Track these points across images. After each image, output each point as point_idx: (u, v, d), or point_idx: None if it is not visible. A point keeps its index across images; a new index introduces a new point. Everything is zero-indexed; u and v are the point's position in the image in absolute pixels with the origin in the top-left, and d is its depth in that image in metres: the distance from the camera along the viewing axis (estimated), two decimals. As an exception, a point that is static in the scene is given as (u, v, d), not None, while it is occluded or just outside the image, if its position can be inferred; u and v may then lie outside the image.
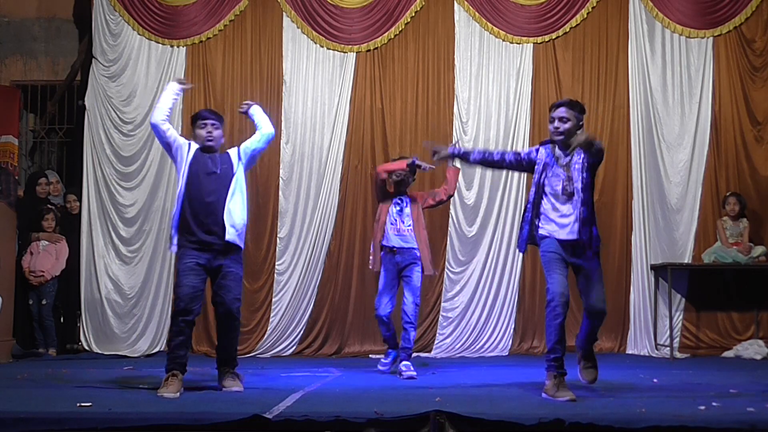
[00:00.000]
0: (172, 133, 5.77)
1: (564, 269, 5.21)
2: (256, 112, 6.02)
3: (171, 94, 5.85)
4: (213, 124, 5.74)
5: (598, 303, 5.28)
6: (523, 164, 5.47)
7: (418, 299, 6.69)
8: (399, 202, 6.79)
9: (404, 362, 6.55)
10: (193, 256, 5.51)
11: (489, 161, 5.55)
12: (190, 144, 5.73)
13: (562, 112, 5.30)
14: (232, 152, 5.82)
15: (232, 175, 5.67)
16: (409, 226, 6.71)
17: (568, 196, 5.23)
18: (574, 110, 5.32)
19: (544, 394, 5.08)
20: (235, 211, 5.59)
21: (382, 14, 8.72)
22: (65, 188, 9.16)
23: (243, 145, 5.88)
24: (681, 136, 8.59)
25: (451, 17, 8.73)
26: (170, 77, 8.72)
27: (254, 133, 5.97)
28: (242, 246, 5.69)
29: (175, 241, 5.59)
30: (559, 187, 5.25)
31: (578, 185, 5.22)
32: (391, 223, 6.72)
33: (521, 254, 8.48)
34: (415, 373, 6.43)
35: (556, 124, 5.30)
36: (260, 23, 8.84)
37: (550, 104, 5.58)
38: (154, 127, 5.80)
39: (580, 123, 5.33)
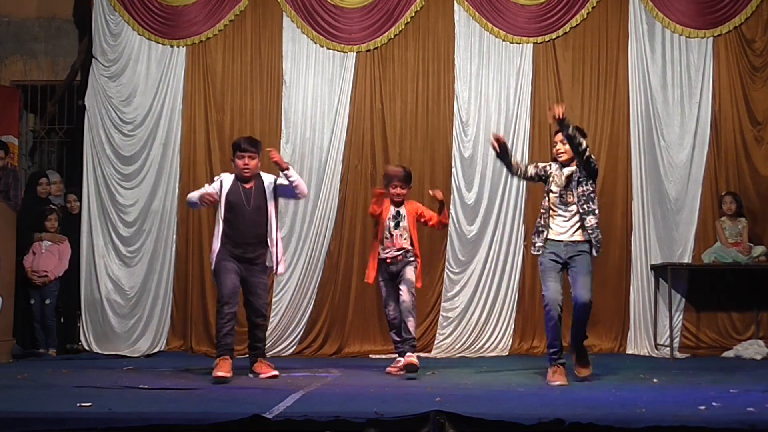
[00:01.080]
0: (212, 189, 6.42)
1: (557, 276, 6.05)
2: (292, 175, 6.40)
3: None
4: (250, 156, 6.37)
5: (581, 291, 5.95)
6: (540, 176, 6.23)
7: (412, 288, 6.73)
8: (396, 215, 6.83)
9: (408, 354, 6.57)
10: (231, 260, 6.27)
11: (514, 165, 6.32)
12: (221, 180, 6.45)
13: (562, 135, 6.04)
14: (267, 182, 6.46)
15: (266, 205, 6.40)
16: (406, 239, 6.78)
17: (566, 204, 6.05)
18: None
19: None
20: (272, 240, 6.39)
21: (382, 14, 8.72)
22: (65, 188, 9.15)
23: (279, 184, 6.47)
24: (681, 136, 8.58)
25: (451, 17, 8.73)
26: (170, 77, 8.74)
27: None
28: (282, 270, 6.66)
29: (214, 257, 6.33)
30: (556, 197, 6.10)
31: (574, 197, 6.02)
32: (386, 238, 6.78)
33: (521, 254, 8.53)
34: (417, 362, 6.52)
35: (558, 146, 6.13)
36: (260, 23, 8.84)
37: (551, 123, 6.49)
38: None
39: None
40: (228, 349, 6.17)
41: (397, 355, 6.91)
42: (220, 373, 5.95)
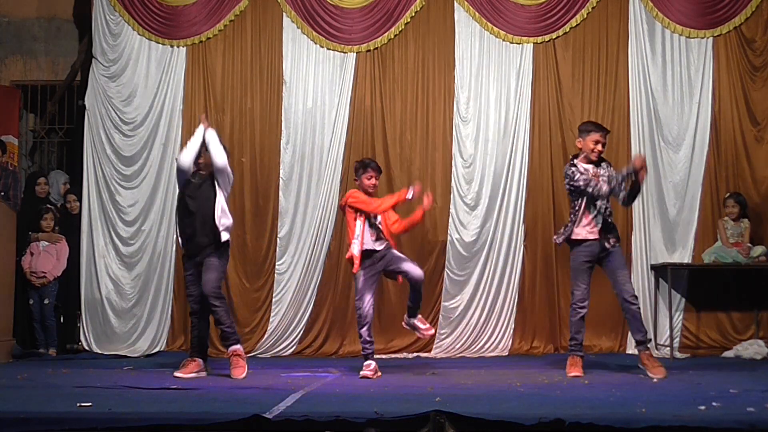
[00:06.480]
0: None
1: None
2: (209, 138, 6.63)
3: (199, 137, 6.58)
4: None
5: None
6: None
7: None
8: None
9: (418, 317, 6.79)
10: (188, 262, 6.56)
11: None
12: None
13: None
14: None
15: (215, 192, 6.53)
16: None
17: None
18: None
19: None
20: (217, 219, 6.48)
21: (382, 14, 8.71)
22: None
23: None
24: (681, 136, 8.58)
25: (451, 17, 8.73)
26: (170, 77, 8.75)
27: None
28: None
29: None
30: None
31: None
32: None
33: (521, 254, 8.53)
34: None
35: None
36: (260, 23, 8.84)
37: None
38: (182, 172, 6.56)
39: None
40: (195, 349, 6.54)
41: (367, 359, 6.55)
42: (176, 373, 6.33)
